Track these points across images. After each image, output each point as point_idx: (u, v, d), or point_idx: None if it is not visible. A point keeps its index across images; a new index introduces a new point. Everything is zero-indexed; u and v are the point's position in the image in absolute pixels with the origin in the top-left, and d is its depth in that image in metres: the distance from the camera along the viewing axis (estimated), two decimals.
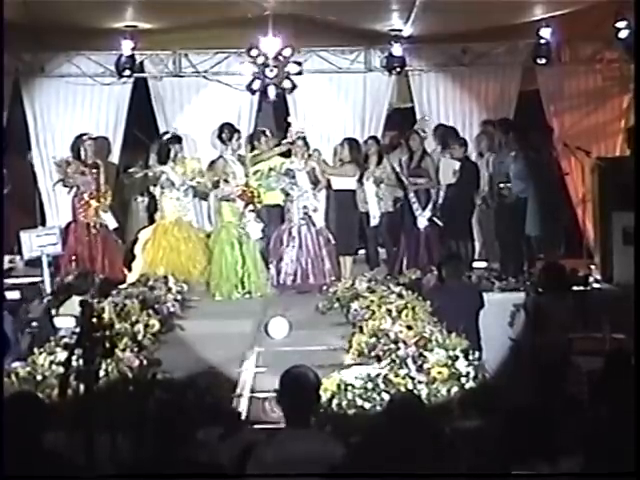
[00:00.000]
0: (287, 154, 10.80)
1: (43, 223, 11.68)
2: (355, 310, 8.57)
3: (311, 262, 10.41)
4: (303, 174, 10.58)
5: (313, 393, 4.61)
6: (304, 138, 10.69)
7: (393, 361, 6.75)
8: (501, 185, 11.39)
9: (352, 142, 11.18)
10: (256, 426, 5.83)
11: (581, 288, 9.87)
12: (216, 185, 10.67)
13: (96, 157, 11.00)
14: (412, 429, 4.14)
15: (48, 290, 9.79)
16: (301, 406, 4.53)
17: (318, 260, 10.43)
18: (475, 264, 10.89)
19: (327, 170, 10.97)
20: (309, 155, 10.70)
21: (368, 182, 10.90)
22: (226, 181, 10.46)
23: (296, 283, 10.40)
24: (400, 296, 8.61)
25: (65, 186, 11.05)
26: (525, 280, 10.03)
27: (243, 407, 6.32)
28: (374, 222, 10.94)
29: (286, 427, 4.54)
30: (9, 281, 9.80)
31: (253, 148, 11.05)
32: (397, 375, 6.33)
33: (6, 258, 10.65)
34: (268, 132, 11.46)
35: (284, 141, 10.84)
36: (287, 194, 10.62)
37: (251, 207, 10.31)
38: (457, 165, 10.98)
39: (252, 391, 6.59)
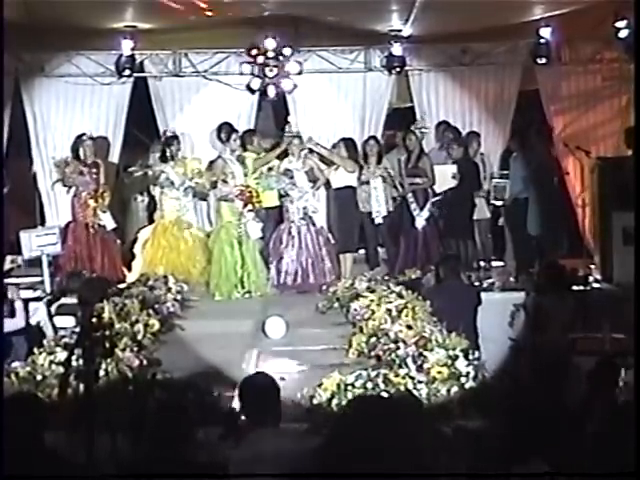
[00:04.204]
0: (284, 154, 10.80)
1: (43, 223, 11.67)
2: (355, 310, 8.57)
3: (311, 261, 10.41)
4: (302, 174, 10.58)
5: (274, 396, 4.65)
6: (300, 137, 10.68)
7: (393, 361, 6.76)
8: (499, 185, 11.45)
9: (348, 142, 11.19)
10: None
11: (581, 288, 9.87)
12: (214, 185, 10.68)
13: (96, 157, 11.00)
14: (411, 428, 4.14)
15: (48, 290, 9.80)
16: (265, 409, 4.56)
17: (318, 259, 10.43)
18: (475, 263, 10.88)
19: (323, 153, 10.91)
20: (306, 156, 10.68)
21: (375, 179, 10.87)
22: (225, 181, 10.47)
23: (296, 282, 10.39)
24: (400, 296, 8.62)
25: (64, 186, 11.06)
26: (525, 280, 10.03)
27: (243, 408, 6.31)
28: (378, 220, 10.89)
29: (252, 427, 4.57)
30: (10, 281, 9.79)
31: (245, 149, 11.01)
32: (397, 375, 6.34)
33: (8, 258, 10.65)
34: (257, 134, 11.44)
35: (283, 140, 10.82)
36: (286, 194, 10.61)
37: (250, 207, 10.31)
38: (454, 169, 10.97)
39: None
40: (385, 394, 5.98)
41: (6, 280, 9.34)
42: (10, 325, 8.03)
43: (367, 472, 3.91)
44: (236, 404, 4.69)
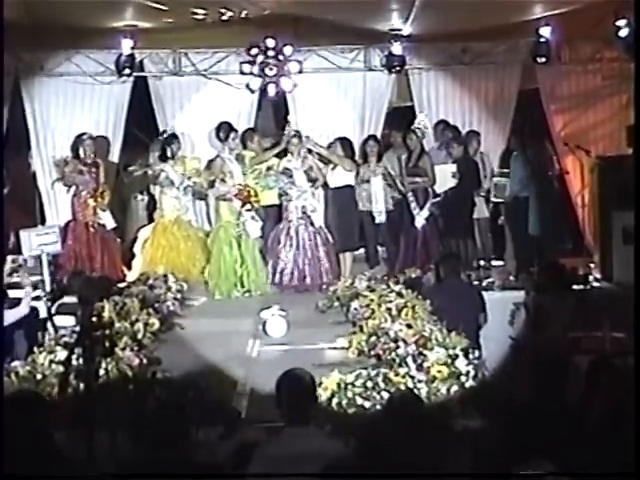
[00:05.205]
0: (283, 153, 10.79)
1: (43, 222, 11.67)
2: (355, 309, 8.58)
3: (308, 262, 10.38)
4: (301, 173, 10.57)
5: (312, 394, 4.63)
6: (299, 136, 10.68)
7: (393, 360, 6.76)
8: (499, 184, 11.44)
9: (344, 141, 11.19)
10: (256, 425, 5.83)
11: (581, 287, 9.88)
12: (212, 185, 10.67)
13: (96, 156, 11.01)
14: (411, 428, 4.14)
15: (48, 289, 9.79)
16: (300, 407, 4.54)
17: (315, 260, 10.40)
18: (475, 262, 10.88)
19: (322, 152, 10.92)
20: (305, 155, 10.67)
21: (375, 178, 10.88)
22: (223, 180, 10.46)
23: (293, 283, 10.38)
24: (400, 295, 8.62)
25: (64, 185, 11.07)
26: (525, 279, 10.03)
27: (243, 406, 6.32)
28: (381, 218, 10.89)
29: (286, 426, 4.55)
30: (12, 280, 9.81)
31: (245, 147, 11.01)
32: (397, 374, 6.34)
33: (9, 258, 10.65)
34: (257, 133, 11.45)
35: (282, 139, 10.81)
36: (285, 193, 10.60)
37: (248, 206, 10.30)
38: (453, 168, 10.97)
39: (252, 390, 6.60)
40: (385, 393, 6.00)
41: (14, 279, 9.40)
42: (14, 314, 8.05)
43: (368, 472, 3.91)
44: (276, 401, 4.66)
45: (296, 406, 4.53)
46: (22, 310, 8.18)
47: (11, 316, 7.98)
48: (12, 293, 8.87)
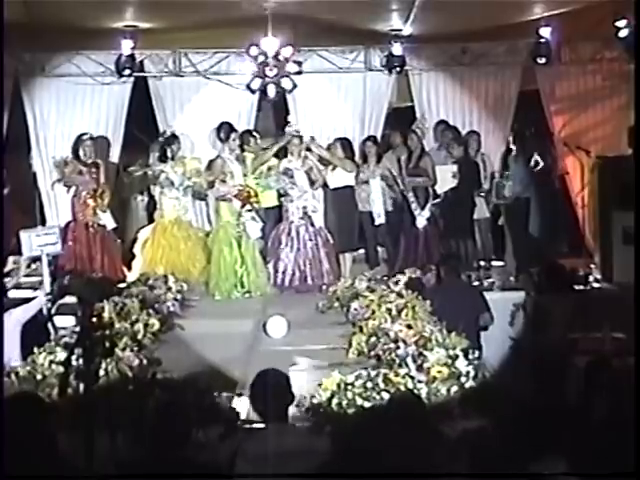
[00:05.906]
0: (283, 153, 10.79)
1: (43, 223, 11.67)
2: (355, 309, 8.57)
3: (309, 263, 10.38)
4: (301, 173, 10.56)
5: (287, 393, 4.66)
6: (300, 137, 10.67)
7: (393, 360, 6.76)
8: (500, 184, 11.44)
9: (344, 141, 11.20)
10: (256, 426, 5.82)
11: (581, 288, 9.88)
12: (212, 185, 10.67)
13: (96, 157, 10.99)
14: (411, 428, 4.15)
15: (48, 290, 9.79)
16: (277, 406, 4.58)
17: (316, 261, 10.40)
18: (475, 263, 10.88)
19: (323, 154, 10.91)
20: (305, 156, 10.66)
21: (375, 179, 10.89)
22: (223, 181, 10.45)
23: (294, 284, 10.38)
24: (400, 295, 8.63)
25: (64, 186, 11.06)
26: (525, 279, 10.03)
27: (243, 407, 6.31)
28: (380, 220, 10.90)
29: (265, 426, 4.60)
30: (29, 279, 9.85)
31: (243, 150, 11.00)
32: (397, 374, 6.34)
33: (10, 259, 10.66)
34: (255, 133, 11.45)
35: (282, 139, 10.82)
36: (286, 194, 10.59)
37: (248, 207, 10.29)
38: (454, 169, 10.97)
39: None
40: (385, 394, 6.00)
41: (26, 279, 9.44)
42: (30, 308, 8.11)
43: (368, 472, 3.91)
44: (247, 400, 4.71)
45: (271, 406, 4.57)
46: (33, 307, 8.22)
47: (28, 310, 8.04)
48: (20, 293, 8.92)
